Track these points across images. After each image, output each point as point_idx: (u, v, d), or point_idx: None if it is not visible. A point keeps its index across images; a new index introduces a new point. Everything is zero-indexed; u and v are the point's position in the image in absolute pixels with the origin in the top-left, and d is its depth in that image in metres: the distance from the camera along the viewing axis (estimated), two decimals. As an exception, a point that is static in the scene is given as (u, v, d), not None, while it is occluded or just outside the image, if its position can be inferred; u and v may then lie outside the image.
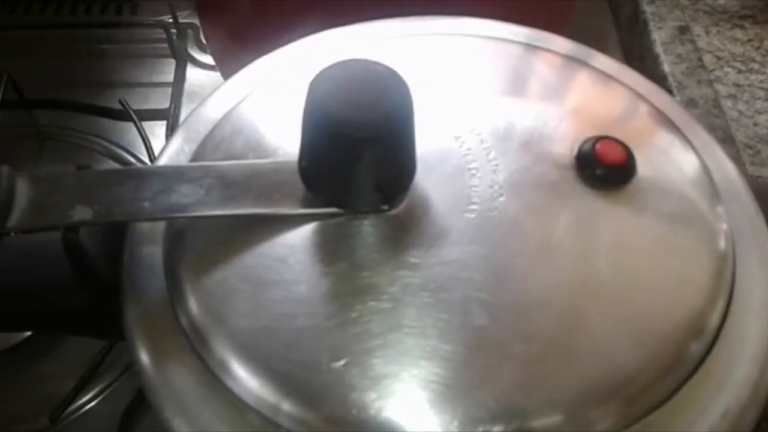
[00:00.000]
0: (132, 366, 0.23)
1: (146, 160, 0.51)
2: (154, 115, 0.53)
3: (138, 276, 0.24)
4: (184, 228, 0.23)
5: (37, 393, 0.41)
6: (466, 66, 0.28)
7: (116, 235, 0.24)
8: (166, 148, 0.26)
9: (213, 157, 0.24)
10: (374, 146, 0.20)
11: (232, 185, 0.22)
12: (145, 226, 0.24)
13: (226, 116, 0.26)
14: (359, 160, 0.20)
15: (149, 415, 0.40)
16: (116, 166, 0.52)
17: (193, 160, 0.25)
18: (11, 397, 0.41)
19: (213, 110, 0.27)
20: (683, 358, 0.21)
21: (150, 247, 0.24)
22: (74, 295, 0.24)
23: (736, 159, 0.47)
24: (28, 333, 0.42)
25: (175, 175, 0.23)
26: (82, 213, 0.21)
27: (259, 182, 0.22)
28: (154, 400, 0.22)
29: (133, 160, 0.52)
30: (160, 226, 0.24)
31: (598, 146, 0.23)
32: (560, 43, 0.30)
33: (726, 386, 0.21)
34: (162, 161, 0.26)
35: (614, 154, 0.23)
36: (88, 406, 0.41)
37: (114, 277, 0.24)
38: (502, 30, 0.30)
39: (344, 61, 0.20)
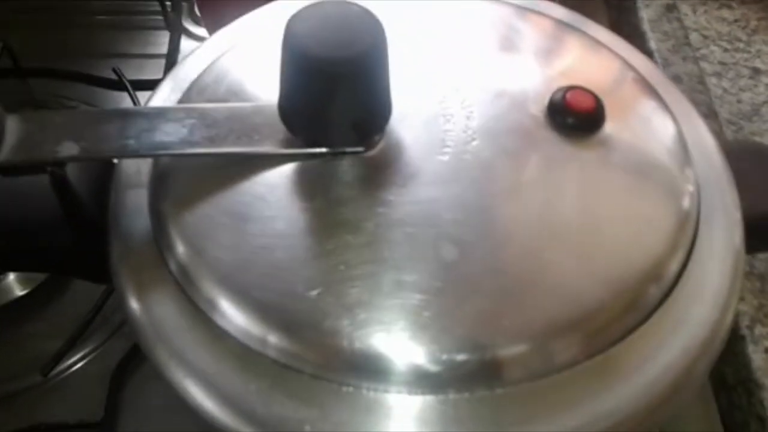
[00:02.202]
0: (119, 305, 0.24)
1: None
2: (148, 85, 0.53)
3: (123, 216, 0.24)
4: (168, 168, 0.24)
5: (29, 351, 0.42)
6: (451, 21, 0.29)
7: (103, 177, 0.25)
8: (154, 95, 0.27)
9: (197, 101, 0.25)
10: (348, 82, 0.21)
11: (214, 126, 0.23)
12: (131, 168, 0.25)
13: (212, 65, 0.27)
14: (335, 96, 0.21)
15: (139, 374, 0.40)
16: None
17: (179, 103, 0.26)
18: (3, 355, 0.41)
19: (200, 61, 0.28)
20: (644, 298, 0.22)
21: (135, 189, 0.25)
22: (62, 233, 0.24)
23: (719, 134, 0.48)
24: (20, 293, 0.43)
25: (159, 115, 0.23)
26: (69, 149, 0.22)
27: (241, 123, 0.23)
28: (140, 334, 0.23)
29: (126, 129, 0.53)
30: (145, 169, 0.25)
31: (568, 95, 0.24)
32: (551, 8, 0.30)
33: (686, 325, 0.22)
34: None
35: (584, 103, 0.24)
36: (79, 365, 0.41)
37: (100, 217, 0.25)
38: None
39: (321, 2, 0.21)
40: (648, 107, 0.27)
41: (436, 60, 0.26)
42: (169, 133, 0.23)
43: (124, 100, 0.53)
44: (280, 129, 0.23)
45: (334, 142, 0.23)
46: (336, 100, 0.21)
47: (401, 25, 0.27)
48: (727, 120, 0.49)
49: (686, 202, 0.24)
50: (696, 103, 0.49)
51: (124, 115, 0.23)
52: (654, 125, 0.26)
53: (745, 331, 0.39)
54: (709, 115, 0.49)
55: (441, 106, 0.24)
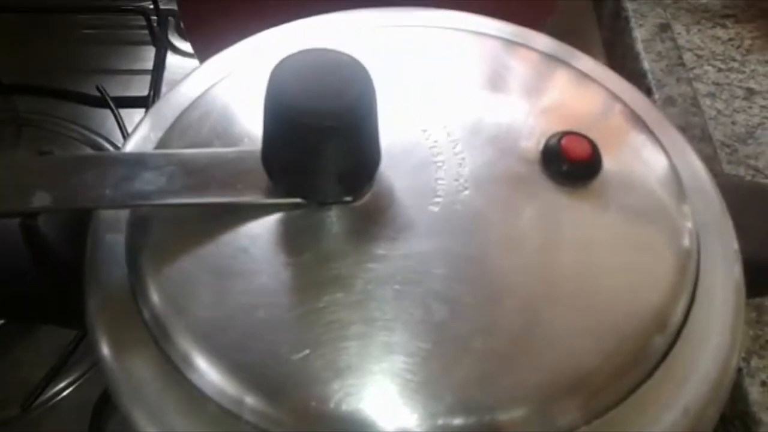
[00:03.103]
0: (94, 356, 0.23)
1: (124, 148, 0.51)
2: (133, 102, 0.53)
3: (100, 264, 0.23)
4: (146, 216, 0.23)
5: (9, 380, 0.41)
6: (440, 59, 0.28)
7: (79, 222, 0.24)
8: (133, 135, 0.26)
9: (178, 144, 0.24)
10: (336, 136, 0.20)
11: (195, 173, 0.22)
12: (109, 213, 0.24)
13: (194, 103, 0.26)
14: (321, 150, 0.20)
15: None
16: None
17: (158, 147, 0.25)
18: (-17, 386, 0.40)
19: (182, 97, 0.27)
20: (645, 355, 0.21)
21: (113, 234, 0.24)
22: (33, 281, 0.23)
23: (713, 158, 0.47)
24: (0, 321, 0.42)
25: (137, 162, 0.22)
26: (41, 199, 0.21)
27: (222, 171, 0.22)
28: (114, 390, 0.22)
29: (111, 147, 0.52)
30: (124, 213, 0.24)
31: (563, 141, 0.23)
32: (539, 40, 0.30)
33: (688, 384, 0.21)
34: (128, 148, 0.26)
35: (580, 150, 0.23)
36: (61, 396, 0.41)
37: (76, 264, 0.24)
38: (480, 24, 0.30)
39: (306, 50, 0.20)
40: (643, 148, 0.26)
41: (425, 101, 0.25)
42: (148, 182, 0.22)
43: (108, 117, 0.52)
44: (263, 177, 0.22)
45: (320, 195, 0.22)
46: (322, 153, 0.20)
47: (387, 65, 0.26)
48: (722, 142, 0.49)
49: (686, 247, 0.23)
50: (690, 126, 0.48)
51: (101, 162, 0.22)
52: (650, 168, 0.26)
53: (741, 364, 0.38)
54: (703, 138, 0.48)
55: (431, 152, 0.23)
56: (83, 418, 0.39)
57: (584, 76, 0.28)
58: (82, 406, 0.39)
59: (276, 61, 0.21)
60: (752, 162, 0.48)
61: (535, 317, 0.21)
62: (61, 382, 0.41)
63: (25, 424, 0.39)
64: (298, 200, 0.22)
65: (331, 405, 0.19)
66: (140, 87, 0.55)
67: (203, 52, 0.49)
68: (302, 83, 0.19)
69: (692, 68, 0.52)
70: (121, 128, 0.51)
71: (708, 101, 0.50)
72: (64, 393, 0.41)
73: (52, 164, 0.22)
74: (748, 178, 0.47)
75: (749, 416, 0.37)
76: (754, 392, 0.37)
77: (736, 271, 0.25)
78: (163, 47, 0.57)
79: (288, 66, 0.20)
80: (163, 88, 0.55)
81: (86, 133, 0.54)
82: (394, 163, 0.23)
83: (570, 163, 0.23)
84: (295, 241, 0.22)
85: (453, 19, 0.30)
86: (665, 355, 0.22)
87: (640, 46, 0.52)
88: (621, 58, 0.54)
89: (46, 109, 0.54)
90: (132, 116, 0.52)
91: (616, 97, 0.28)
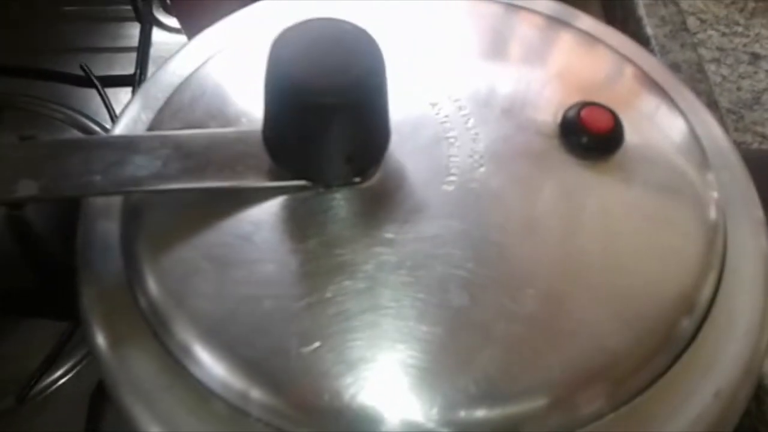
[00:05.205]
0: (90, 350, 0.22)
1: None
2: (119, 81, 0.51)
3: (93, 254, 0.22)
4: (140, 203, 0.21)
5: (4, 372, 0.39)
6: (443, 26, 0.26)
7: (69, 210, 0.22)
8: (122, 116, 0.24)
9: (171, 125, 0.23)
10: (343, 114, 0.18)
11: (191, 156, 0.21)
12: (100, 200, 0.23)
13: (187, 81, 0.24)
14: (327, 129, 0.19)
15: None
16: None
17: (150, 129, 0.23)
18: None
19: (173, 74, 0.25)
20: (673, 336, 0.20)
21: (106, 222, 0.22)
22: (21, 274, 0.22)
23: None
24: (-9, 310, 0.41)
25: (128, 145, 0.21)
26: (27, 188, 0.20)
27: (221, 153, 0.21)
28: (113, 387, 0.21)
29: (97, 128, 0.50)
30: (117, 199, 0.22)
31: (583, 113, 0.22)
32: (542, 3, 0.28)
33: (717, 365, 0.20)
34: (117, 131, 0.24)
35: (601, 122, 0.22)
36: (57, 385, 0.39)
37: (68, 254, 0.22)
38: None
39: (309, 20, 0.19)
40: (663, 115, 0.25)
41: (431, 72, 0.24)
42: (141, 167, 0.20)
43: (94, 97, 0.50)
44: (265, 158, 0.21)
45: (326, 177, 0.20)
46: (328, 132, 0.19)
47: (389, 33, 0.24)
48: (727, 109, 0.47)
49: (713, 221, 0.22)
50: (696, 93, 0.47)
51: (89, 146, 0.21)
52: (671, 136, 0.24)
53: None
54: (710, 105, 0.46)
55: (443, 128, 0.22)
56: (81, 407, 0.37)
57: (595, 39, 0.27)
58: (79, 396, 0.38)
59: (273, 34, 0.19)
60: (759, 129, 0.47)
61: (557, 302, 0.20)
62: (56, 371, 0.40)
63: (22, 416, 0.38)
64: (302, 183, 0.21)
65: (344, 399, 0.18)
66: (126, 65, 0.53)
67: (190, 27, 0.47)
68: (305, 57, 0.18)
69: (695, 33, 0.51)
70: (107, 108, 0.49)
71: (713, 67, 0.49)
72: (61, 382, 0.40)
73: (37, 151, 0.21)
74: (755, 145, 0.46)
75: (762, 389, 0.36)
76: None
77: (764, 244, 0.24)
78: (148, 23, 0.55)
79: (289, 38, 0.18)
80: (150, 66, 0.53)
81: (72, 114, 0.52)
82: (403, 141, 0.21)
83: (591, 136, 0.22)
84: (300, 226, 0.21)
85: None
86: (694, 336, 0.21)
87: (642, 11, 0.50)
88: (622, 23, 0.52)
89: (29, 90, 0.52)
90: (118, 95, 0.50)
91: (630, 61, 0.26)
